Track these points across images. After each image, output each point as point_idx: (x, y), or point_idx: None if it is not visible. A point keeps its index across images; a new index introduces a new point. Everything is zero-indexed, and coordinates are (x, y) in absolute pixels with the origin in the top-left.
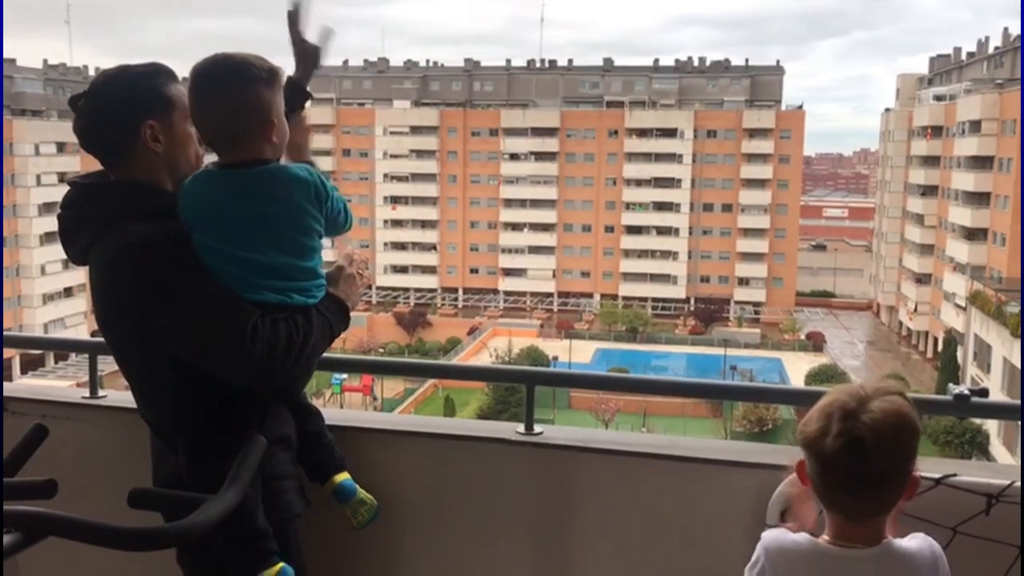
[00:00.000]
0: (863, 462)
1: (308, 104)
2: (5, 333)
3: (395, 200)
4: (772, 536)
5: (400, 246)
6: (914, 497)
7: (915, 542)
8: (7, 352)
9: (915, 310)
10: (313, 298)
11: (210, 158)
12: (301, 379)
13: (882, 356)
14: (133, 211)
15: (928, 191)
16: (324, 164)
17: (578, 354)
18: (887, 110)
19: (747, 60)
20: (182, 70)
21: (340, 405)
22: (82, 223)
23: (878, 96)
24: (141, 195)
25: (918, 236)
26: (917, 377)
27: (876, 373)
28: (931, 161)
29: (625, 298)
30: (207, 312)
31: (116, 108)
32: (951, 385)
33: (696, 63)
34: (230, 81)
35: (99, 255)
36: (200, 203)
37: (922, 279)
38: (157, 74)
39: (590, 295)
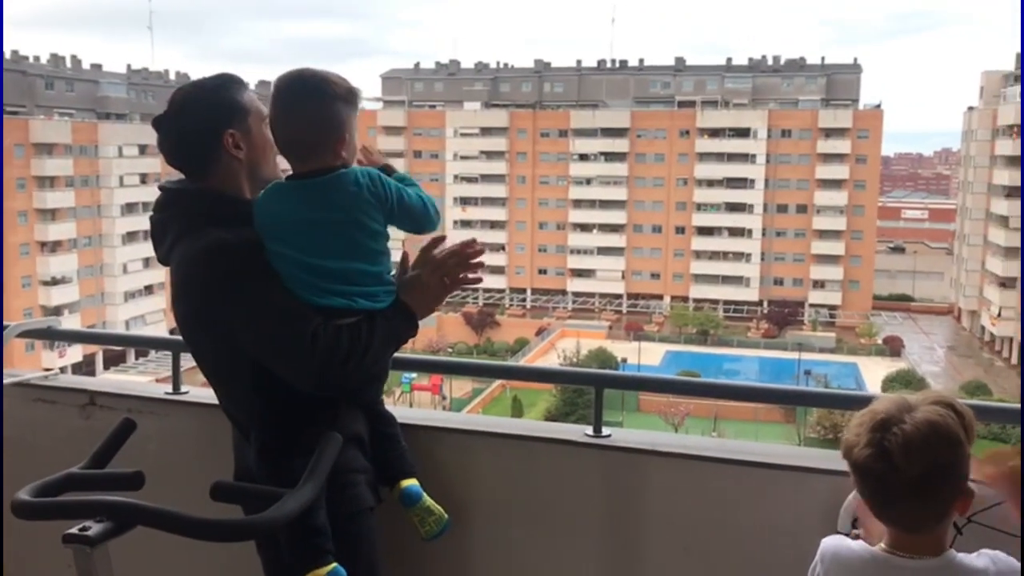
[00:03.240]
0: (891, 473)
1: None
2: (94, 330)
3: (465, 201)
4: (830, 543)
5: None
6: (989, 508)
7: (982, 560)
8: (91, 348)
9: (999, 315)
10: (380, 302)
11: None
12: (373, 384)
13: (963, 362)
14: (212, 217)
15: (1013, 192)
16: (395, 166)
17: (647, 356)
18: (970, 108)
19: (823, 58)
20: (268, 74)
21: (410, 404)
22: (167, 225)
23: (960, 94)
24: (221, 202)
25: (1003, 239)
26: (1001, 384)
27: (956, 379)
28: (1017, 161)
29: (696, 300)
30: (270, 319)
31: (198, 124)
32: None
33: (770, 61)
34: (311, 95)
35: (179, 257)
36: (267, 214)
37: (1006, 283)
38: (229, 85)
39: (660, 297)
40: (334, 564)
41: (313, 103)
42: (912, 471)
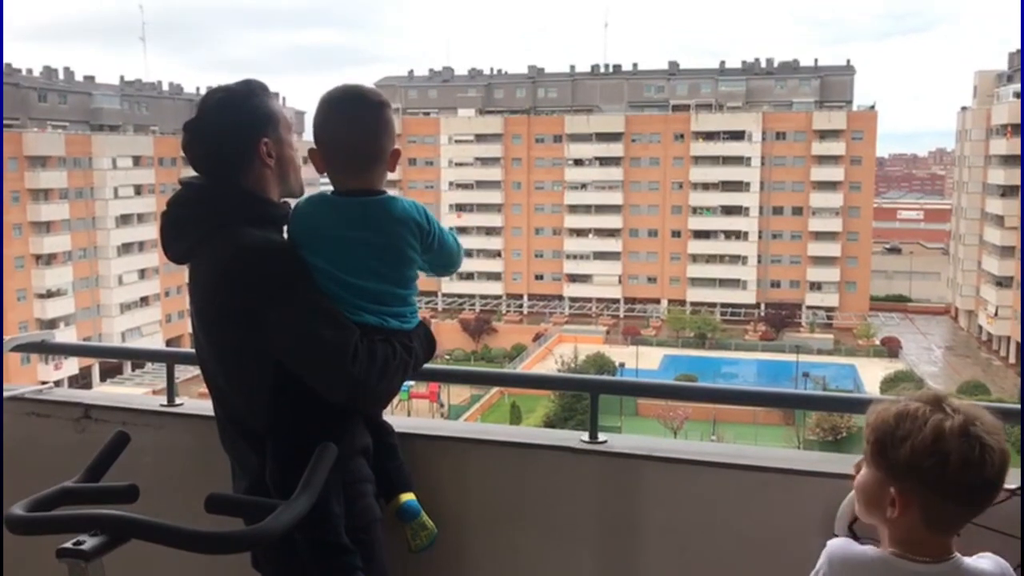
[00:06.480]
0: (982, 472)
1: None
2: (89, 344)
3: (460, 208)
4: (838, 545)
5: (466, 253)
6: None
7: (986, 563)
8: (87, 360)
9: (996, 314)
10: (409, 324)
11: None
12: (391, 399)
13: (961, 362)
14: (248, 217)
15: (1008, 191)
16: (389, 174)
17: (645, 361)
18: (964, 108)
19: (816, 60)
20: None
21: (408, 412)
22: (190, 222)
23: (954, 95)
24: (257, 202)
25: (998, 238)
26: (999, 383)
27: (955, 379)
28: (1011, 160)
29: (693, 304)
30: (315, 325)
31: (236, 130)
32: None
33: (764, 64)
34: (371, 106)
35: (215, 254)
36: (306, 224)
37: (1003, 282)
38: (260, 92)
39: (657, 301)
40: None
41: (374, 113)
42: (995, 468)
